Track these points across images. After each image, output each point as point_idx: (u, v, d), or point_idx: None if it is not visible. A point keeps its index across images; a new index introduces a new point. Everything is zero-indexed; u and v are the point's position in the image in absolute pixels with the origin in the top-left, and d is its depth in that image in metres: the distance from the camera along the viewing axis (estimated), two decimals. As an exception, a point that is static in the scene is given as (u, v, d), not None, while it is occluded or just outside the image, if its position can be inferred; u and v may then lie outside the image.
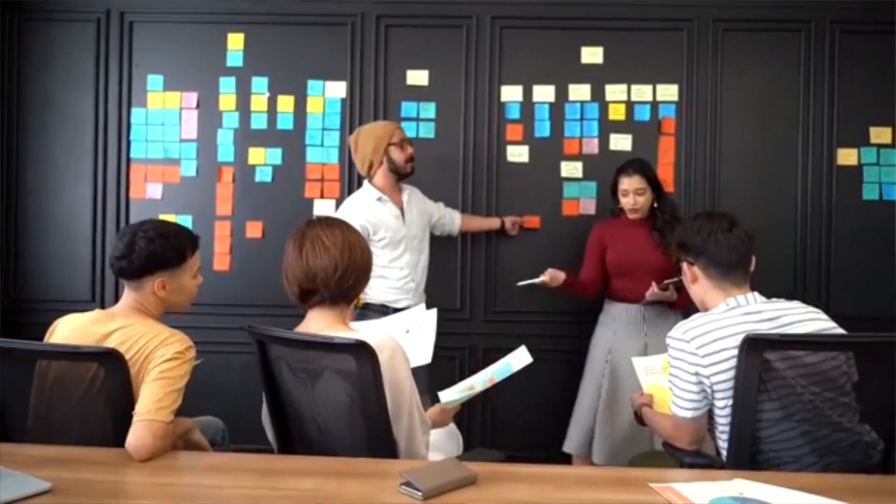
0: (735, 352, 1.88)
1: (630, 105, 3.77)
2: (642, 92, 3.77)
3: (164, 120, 3.87)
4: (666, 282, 3.10)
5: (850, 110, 3.75)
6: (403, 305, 3.25)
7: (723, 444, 1.97)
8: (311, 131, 3.83)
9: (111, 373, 1.85)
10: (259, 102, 3.85)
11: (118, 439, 1.80)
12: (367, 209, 3.22)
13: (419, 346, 2.26)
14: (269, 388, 1.93)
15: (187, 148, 3.86)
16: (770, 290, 3.64)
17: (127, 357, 1.89)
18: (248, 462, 1.79)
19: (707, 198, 3.76)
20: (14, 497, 1.46)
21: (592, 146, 3.78)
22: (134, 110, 3.87)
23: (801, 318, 1.99)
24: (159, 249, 2.01)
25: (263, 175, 3.84)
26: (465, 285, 3.81)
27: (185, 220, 3.79)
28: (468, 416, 3.69)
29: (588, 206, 3.77)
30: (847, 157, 3.76)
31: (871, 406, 1.91)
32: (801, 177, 3.77)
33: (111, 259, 2.05)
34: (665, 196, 3.35)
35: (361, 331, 1.81)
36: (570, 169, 3.77)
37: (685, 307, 3.05)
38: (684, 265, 2.18)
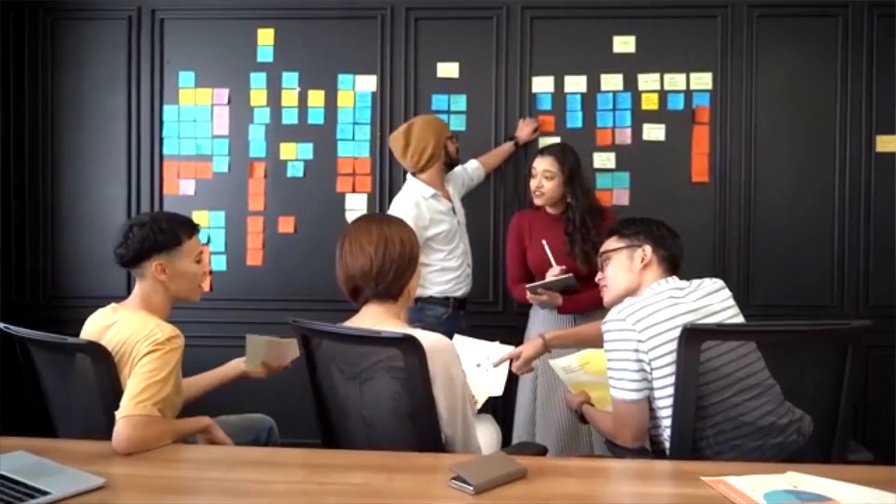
0: (668, 325, 1.91)
1: (663, 94, 3.72)
2: (675, 81, 3.71)
3: (195, 116, 3.89)
4: (531, 285, 2.94)
5: (888, 96, 3.66)
6: (462, 294, 3.28)
7: (665, 439, 1.95)
8: (342, 125, 3.83)
9: (97, 365, 1.91)
10: (290, 97, 3.85)
11: (108, 433, 1.83)
12: (424, 205, 3.15)
13: (490, 380, 2.27)
14: (314, 383, 1.93)
15: (219, 144, 3.88)
16: (808, 279, 3.64)
17: (115, 350, 1.95)
18: (295, 457, 1.80)
19: (743, 187, 3.70)
20: (69, 493, 1.46)
21: (625, 136, 3.73)
22: (166, 107, 3.89)
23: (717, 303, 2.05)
24: (151, 233, 2.09)
25: (295, 170, 3.85)
26: (497, 278, 3.79)
27: (218, 217, 3.82)
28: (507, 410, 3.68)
29: (621, 197, 3.72)
30: (886, 143, 3.68)
31: (816, 391, 1.93)
32: (838, 164, 3.69)
33: (113, 252, 2.12)
34: (583, 193, 3.09)
35: (417, 333, 1.78)
36: (603, 160, 3.73)
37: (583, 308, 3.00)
38: (625, 252, 2.15)
